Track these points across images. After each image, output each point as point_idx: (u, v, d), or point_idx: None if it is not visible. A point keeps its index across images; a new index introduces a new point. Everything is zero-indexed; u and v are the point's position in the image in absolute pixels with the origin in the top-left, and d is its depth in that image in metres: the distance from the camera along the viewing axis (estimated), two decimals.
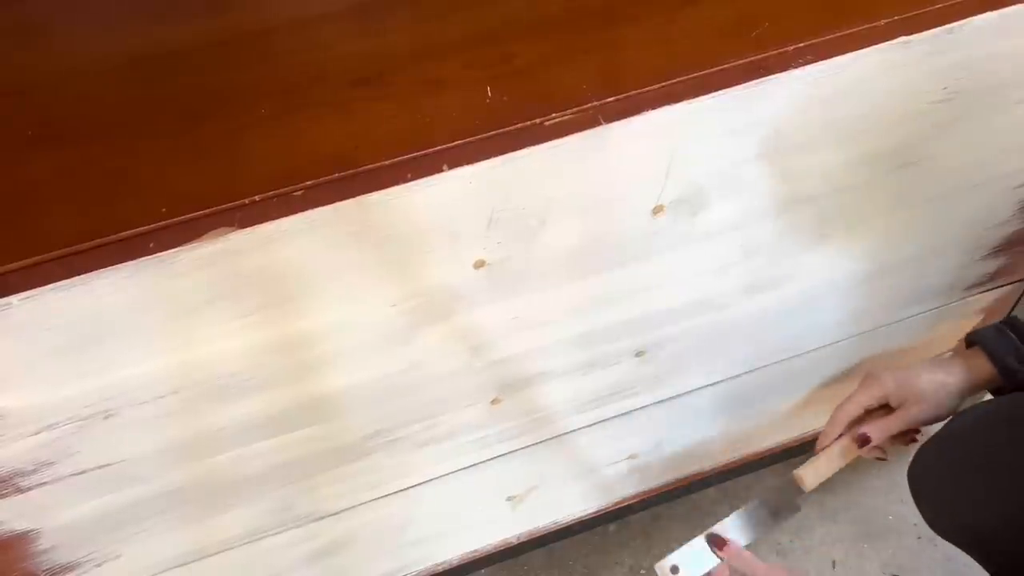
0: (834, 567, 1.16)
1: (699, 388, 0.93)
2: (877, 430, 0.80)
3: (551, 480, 0.98)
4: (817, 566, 1.17)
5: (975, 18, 0.61)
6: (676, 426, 0.99)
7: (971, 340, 0.79)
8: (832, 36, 0.59)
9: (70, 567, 0.72)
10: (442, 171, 0.55)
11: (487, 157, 0.55)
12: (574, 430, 0.90)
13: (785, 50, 0.59)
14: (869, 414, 0.83)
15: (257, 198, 0.52)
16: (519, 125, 0.55)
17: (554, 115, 0.56)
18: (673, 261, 0.71)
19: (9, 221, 0.52)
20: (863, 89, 0.63)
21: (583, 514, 1.10)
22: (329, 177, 0.53)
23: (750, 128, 0.62)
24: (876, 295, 0.90)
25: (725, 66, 0.58)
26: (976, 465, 0.73)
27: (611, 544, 1.21)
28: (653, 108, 0.57)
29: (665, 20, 0.62)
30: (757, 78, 0.58)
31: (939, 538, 0.78)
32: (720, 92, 0.58)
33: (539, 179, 0.58)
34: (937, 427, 0.79)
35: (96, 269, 0.50)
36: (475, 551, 1.06)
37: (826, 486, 0.83)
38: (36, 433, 0.58)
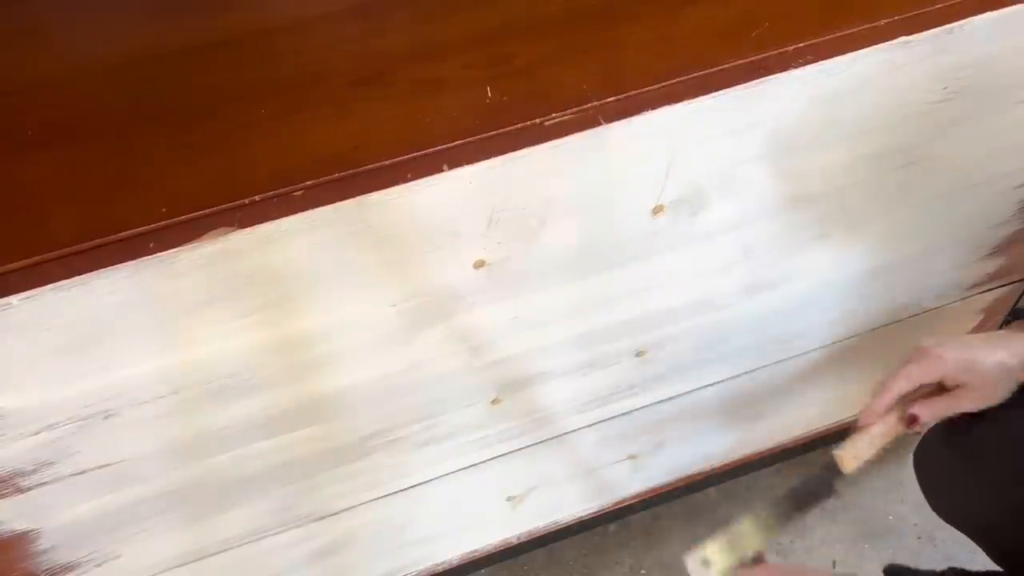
0: (834, 567, 1.16)
1: (699, 388, 0.93)
2: (929, 411, 0.70)
3: (551, 480, 0.98)
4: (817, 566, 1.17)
5: (975, 18, 0.61)
6: (676, 426, 0.99)
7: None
8: (832, 36, 0.59)
9: (70, 567, 0.72)
10: (442, 171, 0.55)
11: (487, 157, 0.55)
12: (574, 430, 0.90)
13: (785, 50, 0.59)
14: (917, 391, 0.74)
15: (257, 198, 0.52)
16: (519, 125, 0.56)
17: (554, 115, 0.56)
18: (673, 261, 0.71)
19: (9, 221, 0.52)
20: (863, 89, 0.63)
21: (583, 514, 1.10)
22: (329, 177, 0.53)
23: (750, 128, 0.62)
24: (876, 295, 0.90)
25: (725, 66, 0.58)
26: (982, 453, 0.72)
27: (611, 544, 1.21)
28: (653, 108, 0.57)
29: (665, 20, 0.62)
30: (757, 78, 0.58)
31: (939, 538, 0.78)
32: (720, 92, 0.58)
33: (539, 179, 0.58)
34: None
35: (96, 269, 0.50)
36: (475, 551, 1.06)
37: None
38: (36, 433, 0.58)
